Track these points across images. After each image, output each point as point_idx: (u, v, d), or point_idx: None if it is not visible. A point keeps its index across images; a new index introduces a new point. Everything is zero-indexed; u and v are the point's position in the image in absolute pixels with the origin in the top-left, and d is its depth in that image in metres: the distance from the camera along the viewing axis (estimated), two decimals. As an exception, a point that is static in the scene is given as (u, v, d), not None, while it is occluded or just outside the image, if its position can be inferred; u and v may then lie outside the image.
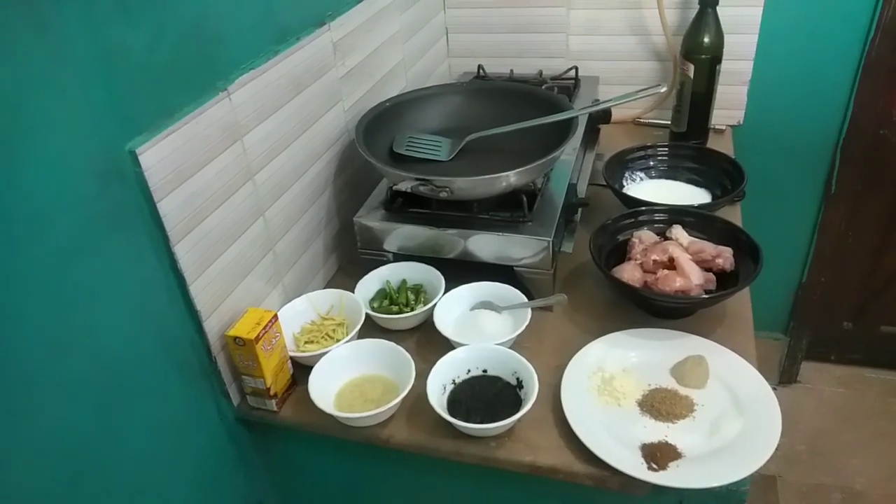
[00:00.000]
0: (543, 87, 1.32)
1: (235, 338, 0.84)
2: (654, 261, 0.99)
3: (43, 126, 0.61)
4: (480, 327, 0.98)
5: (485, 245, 1.02)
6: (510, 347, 0.93)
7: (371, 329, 1.00)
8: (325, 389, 0.90)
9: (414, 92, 1.22)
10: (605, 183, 1.20)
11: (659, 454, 0.79)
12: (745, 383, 0.88)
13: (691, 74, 1.31)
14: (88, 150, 0.66)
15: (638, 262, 1.01)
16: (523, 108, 1.13)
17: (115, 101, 0.68)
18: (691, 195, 1.22)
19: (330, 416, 0.86)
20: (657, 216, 1.10)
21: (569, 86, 1.43)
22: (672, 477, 0.77)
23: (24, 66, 0.59)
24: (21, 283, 0.61)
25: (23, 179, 0.60)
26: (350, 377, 0.93)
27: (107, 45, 0.66)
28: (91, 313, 0.68)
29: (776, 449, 0.79)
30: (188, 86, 0.78)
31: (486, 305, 1.02)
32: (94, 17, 0.64)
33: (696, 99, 1.34)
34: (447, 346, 0.94)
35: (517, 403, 0.86)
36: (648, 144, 1.30)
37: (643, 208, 1.11)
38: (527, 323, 0.95)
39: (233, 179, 0.86)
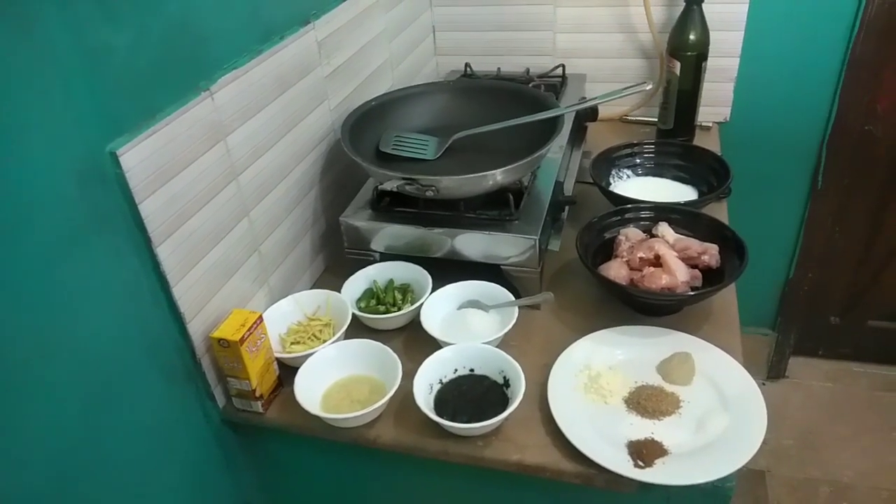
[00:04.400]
0: (530, 85, 1.32)
1: (220, 339, 0.83)
2: (641, 258, 0.99)
3: (23, 127, 0.60)
4: (467, 326, 0.97)
5: (472, 244, 1.02)
6: (497, 346, 0.93)
7: (358, 329, 1.00)
8: (311, 390, 0.89)
9: (400, 91, 1.21)
10: (591, 181, 1.20)
11: (645, 451, 0.79)
12: (730, 380, 0.88)
13: (677, 72, 1.32)
14: (69, 152, 0.65)
15: (624, 259, 1.01)
16: (510, 107, 1.13)
17: (96, 102, 0.67)
18: (678, 192, 1.22)
19: (316, 417, 0.85)
20: (643, 214, 1.10)
21: (556, 84, 1.43)
22: (658, 474, 0.77)
23: (3, 67, 0.58)
24: (2, 287, 0.60)
25: (3, 182, 0.59)
26: (337, 378, 0.92)
27: (88, 46, 0.66)
28: (73, 316, 0.68)
29: (765, 444, 0.79)
30: (170, 86, 0.77)
31: (474, 304, 1.01)
32: (75, 17, 0.64)
33: (682, 96, 1.34)
34: (434, 345, 0.94)
35: (504, 402, 0.86)
36: (635, 142, 1.30)
37: (629, 206, 1.11)
38: (514, 321, 0.95)
39: (216, 180, 0.85)
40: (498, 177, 0.97)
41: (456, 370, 0.91)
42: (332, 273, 1.16)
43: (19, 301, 0.62)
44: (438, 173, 0.97)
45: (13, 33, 0.58)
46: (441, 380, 0.90)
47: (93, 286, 0.70)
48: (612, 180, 1.26)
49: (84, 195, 0.67)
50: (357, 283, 1.06)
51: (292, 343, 0.97)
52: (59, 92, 0.63)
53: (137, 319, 0.76)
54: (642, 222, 1.09)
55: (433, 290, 1.02)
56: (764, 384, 1.87)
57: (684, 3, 1.29)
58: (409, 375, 0.87)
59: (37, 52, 0.61)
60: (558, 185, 1.12)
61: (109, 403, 0.73)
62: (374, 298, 1.04)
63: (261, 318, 0.87)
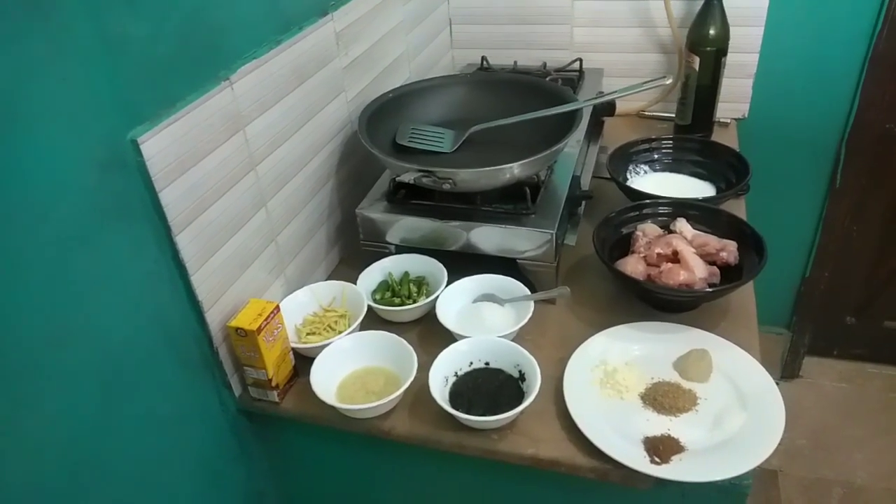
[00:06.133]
0: (547, 78, 1.31)
1: (237, 329, 0.83)
2: (658, 254, 0.99)
3: (44, 115, 0.61)
4: (483, 320, 0.97)
5: (488, 237, 1.02)
6: (513, 340, 0.93)
7: (373, 321, 1.00)
8: (326, 381, 0.89)
9: (417, 83, 1.21)
10: (608, 176, 1.19)
11: (661, 447, 0.79)
12: (748, 377, 0.88)
13: (696, 67, 1.31)
14: (90, 140, 0.66)
15: (641, 255, 1.00)
16: (527, 100, 1.12)
17: (116, 90, 0.67)
18: (695, 188, 1.21)
19: (332, 407, 0.85)
20: (661, 209, 1.09)
21: (573, 78, 1.42)
22: (674, 470, 0.77)
23: (25, 55, 0.58)
24: (22, 274, 0.60)
25: (24, 169, 0.59)
26: (352, 369, 0.93)
27: (109, 34, 0.66)
28: (92, 304, 0.68)
29: (778, 443, 0.78)
30: (190, 75, 0.77)
31: (489, 298, 1.01)
32: (96, 5, 0.64)
33: (701, 92, 1.33)
34: (449, 338, 0.94)
35: (519, 396, 0.86)
36: (653, 137, 1.29)
37: (647, 201, 1.10)
38: (529, 315, 0.94)
39: (235, 170, 0.85)
40: (515, 170, 0.96)
41: (471, 363, 0.91)
42: (348, 265, 1.16)
43: (39, 288, 0.62)
44: (455, 166, 0.96)
45: (34, 20, 0.58)
46: (456, 372, 0.90)
47: (112, 274, 0.70)
48: (629, 175, 1.25)
49: (104, 183, 0.68)
50: (372, 275, 1.06)
51: (308, 334, 0.97)
52: (79, 79, 0.63)
53: (155, 308, 0.77)
54: (660, 218, 1.09)
55: (448, 283, 1.01)
56: (778, 383, 1.85)
57: (704, -2, 1.28)
58: (424, 368, 0.87)
59: (57, 39, 0.61)
60: (575, 180, 1.12)
61: (126, 391, 0.74)
62: (390, 290, 1.04)
63: (277, 308, 0.87)
